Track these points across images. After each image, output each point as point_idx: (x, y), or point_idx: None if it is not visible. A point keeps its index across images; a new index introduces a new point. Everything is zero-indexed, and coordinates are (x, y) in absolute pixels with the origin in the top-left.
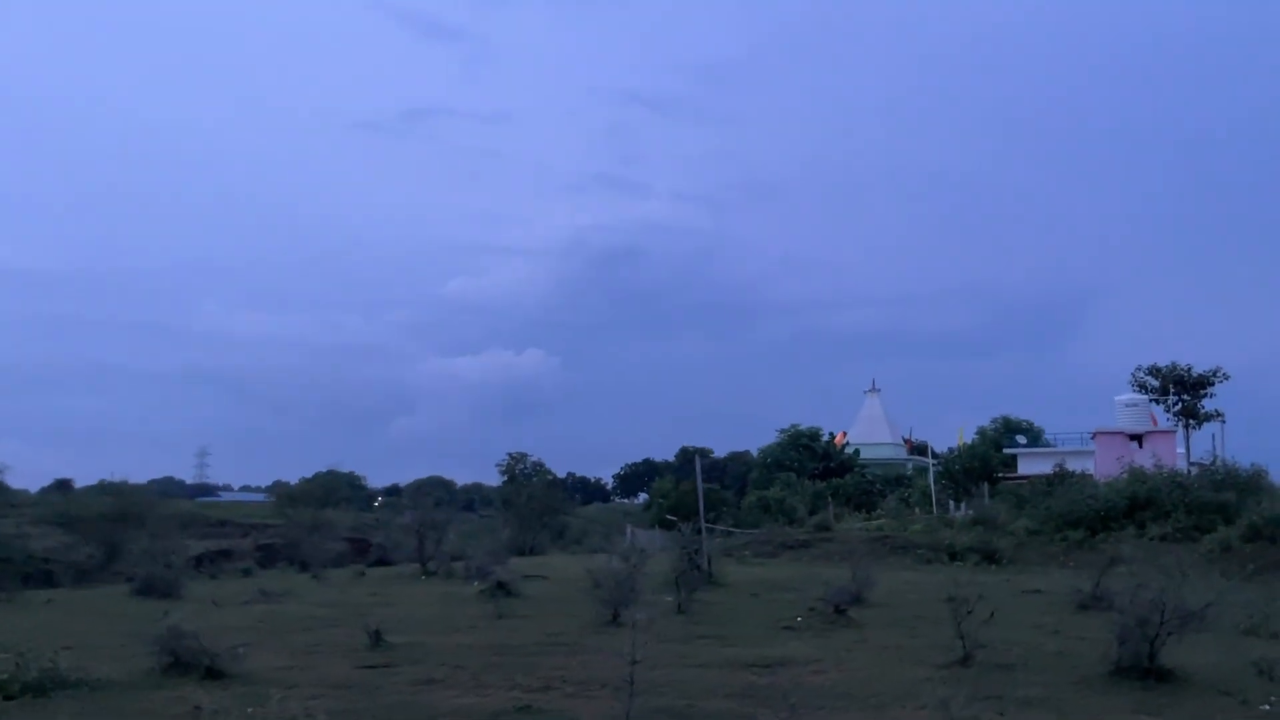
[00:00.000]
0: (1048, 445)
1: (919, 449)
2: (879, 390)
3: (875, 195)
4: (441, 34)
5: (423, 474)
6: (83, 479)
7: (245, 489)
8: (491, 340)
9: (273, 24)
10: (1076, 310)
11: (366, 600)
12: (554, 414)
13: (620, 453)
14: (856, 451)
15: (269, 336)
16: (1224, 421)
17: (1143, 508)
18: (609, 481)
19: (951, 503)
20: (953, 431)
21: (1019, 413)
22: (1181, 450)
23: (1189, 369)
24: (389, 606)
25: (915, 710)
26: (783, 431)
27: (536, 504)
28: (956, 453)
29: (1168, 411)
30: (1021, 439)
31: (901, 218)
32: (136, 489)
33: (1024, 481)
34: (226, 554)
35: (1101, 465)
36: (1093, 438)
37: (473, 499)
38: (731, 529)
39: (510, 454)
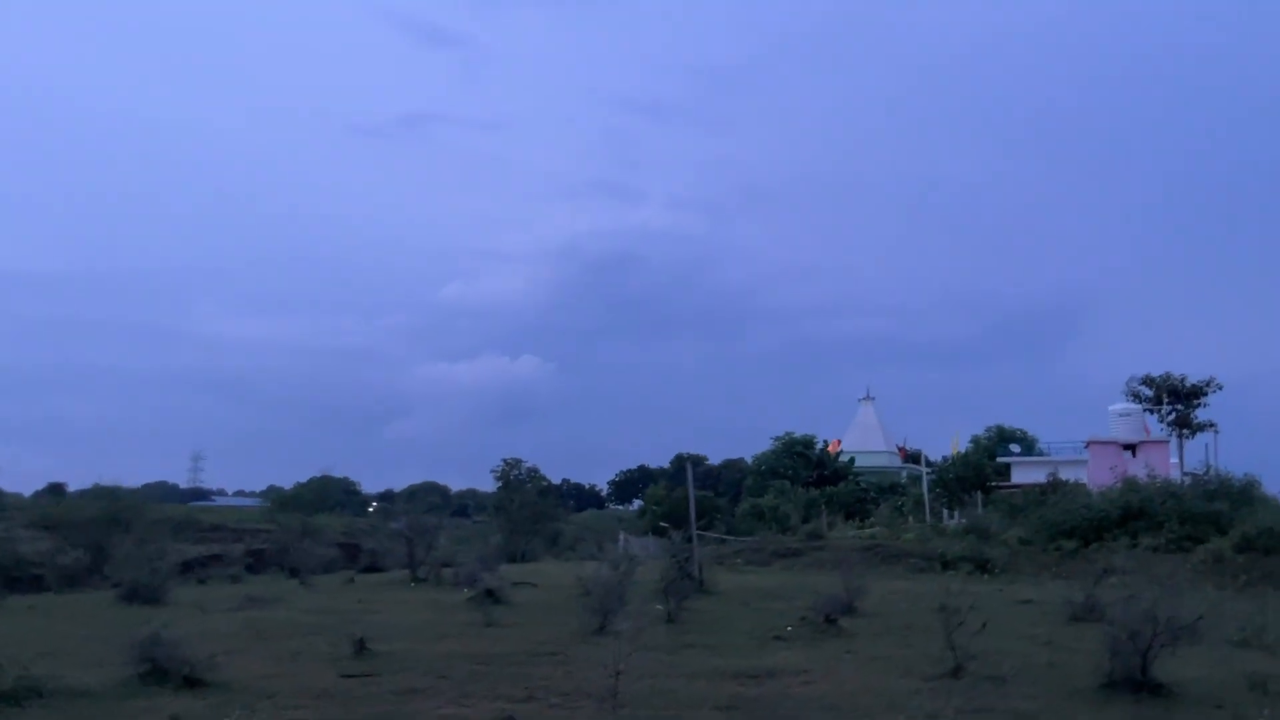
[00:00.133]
0: (1042, 454)
1: (913, 457)
2: (873, 398)
3: (872, 204)
4: (440, 40)
5: (418, 479)
6: (77, 483)
7: (240, 493)
8: (487, 345)
9: (272, 29)
10: (1071, 320)
11: (354, 607)
12: (549, 420)
13: (615, 459)
14: (851, 459)
15: (265, 340)
16: (1217, 431)
17: (1136, 518)
18: (604, 488)
19: (945, 511)
20: (947, 440)
21: (1013, 421)
22: (1175, 460)
23: (1183, 379)
24: (376, 613)
25: None
26: (777, 439)
27: (529, 510)
28: (950, 461)
29: (1161, 421)
30: (1015, 448)
31: (897, 226)
32: (128, 493)
33: (1017, 490)
34: (217, 559)
35: (1095, 475)
36: (1086, 447)
37: (467, 504)
38: (725, 536)
39: (505, 460)
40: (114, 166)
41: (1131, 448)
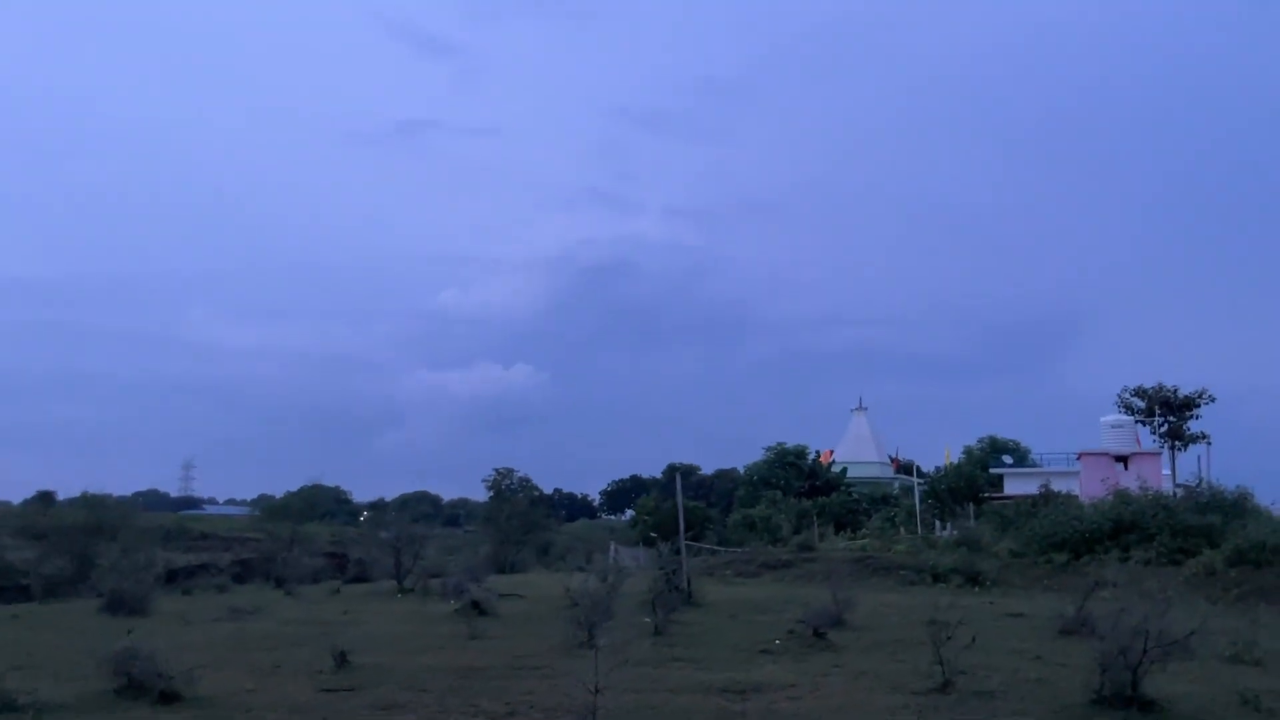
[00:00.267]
0: (1034, 465)
1: (905, 468)
2: (866, 409)
3: (866, 215)
4: (435, 48)
5: (410, 488)
6: (67, 491)
7: (231, 502)
8: (480, 354)
9: (267, 36)
10: (1064, 331)
11: (338, 618)
12: (542, 429)
13: (608, 469)
14: (843, 470)
15: (258, 347)
16: (1210, 443)
17: (1127, 530)
18: (595, 498)
19: (937, 522)
20: (939, 451)
21: (1006, 433)
22: (1167, 472)
23: (1175, 390)
24: (359, 625)
25: None
26: (769, 449)
27: (520, 520)
28: (943, 472)
29: (1153, 433)
30: (1008, 459)
31: (892, 238)
32: (116, 502)
33: (1009, 501)
34: (204, 568)
35: (1087, 486)
36: (1078, 459)
37: (458, 514)
38: (715, 547)
39: (497, 469)
40: (105, 172)
41: (1124, 459)
